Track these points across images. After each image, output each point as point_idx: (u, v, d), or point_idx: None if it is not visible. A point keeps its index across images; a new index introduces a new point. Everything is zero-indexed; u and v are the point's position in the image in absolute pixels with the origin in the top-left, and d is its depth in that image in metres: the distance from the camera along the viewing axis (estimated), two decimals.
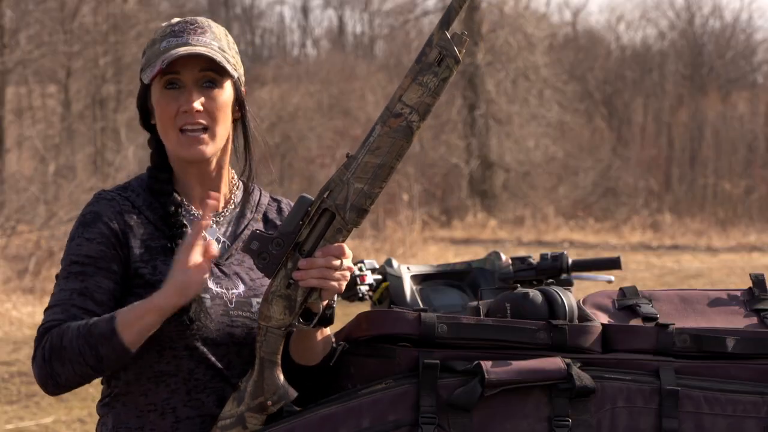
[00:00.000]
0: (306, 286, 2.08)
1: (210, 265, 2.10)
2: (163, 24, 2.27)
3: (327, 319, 2.16)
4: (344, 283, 2.10)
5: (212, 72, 2.21)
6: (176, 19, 2.26)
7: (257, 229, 2.11)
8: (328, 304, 2.14)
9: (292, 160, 19.30)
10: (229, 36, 2.28)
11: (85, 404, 6.80)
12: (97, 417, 2.30)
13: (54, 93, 18.80)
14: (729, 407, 2.14)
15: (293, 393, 2.12)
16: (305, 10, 35.08)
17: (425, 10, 26.30)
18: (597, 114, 24.04)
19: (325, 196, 2.08)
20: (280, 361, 2.13)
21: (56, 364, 2.10)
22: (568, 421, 2.10)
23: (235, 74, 2.23)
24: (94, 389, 6.73)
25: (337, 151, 19.71)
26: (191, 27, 2.23)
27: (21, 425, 6.63)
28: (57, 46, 17.21)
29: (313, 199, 2.08)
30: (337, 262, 2.07)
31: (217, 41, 2.23)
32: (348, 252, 2.09)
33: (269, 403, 2.12)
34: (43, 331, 2.14)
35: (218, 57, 2.19)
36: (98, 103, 17.95)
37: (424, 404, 2.08)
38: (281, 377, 2.13)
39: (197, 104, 2.19)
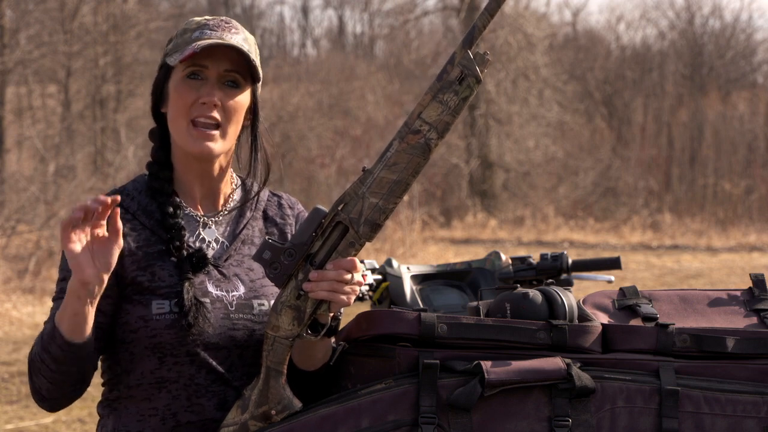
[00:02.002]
0: (315, 298, 2.08)
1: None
2: (197, 18, 2.27)
3: (332, 330, 2.16)
4: (353, 297, 2.10)
5: (236, 73, 2.22)
6: (210, 16, 2.27)
7: (269, 238, 2.10)
8: (334, 315, 2.14)
9: (292, 160, 19.30)
10: (256, 45, 2.29)
11: (85, 404, 6.79)
12: (97, 417, 2.30)
13: (54, 93, 18.80)
14: (729, 407, 2.13)
15: (298, 403, 2.12)
16: (305, 10, 35.12)
17: (425, 10, 26.33)
18: (597, 114, 24.03)
19: (339, 208, 2.07)
20: (285, 371, 2.13)
21: (34, 376, 2.13)
22: (568, 421, 2.09)
23: (260, 80, 2.25)
24: (94, 389, 6.70)
25: (337, 151, 19.71)
26: (226, 25, 2.24)
27: (21, 425, 6.63)
28: (57, 46, 17.22)
29: (327, 211, 2.08)
30: (347, 276, 2.07)
31: (247, 45, 2.24)
32: (359, 266, 2.09)
33: (273, 412, 2.11)
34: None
35: (252, 56, 2.20)
36: (98, 103, 17.95)
37: (423, 404, 2.08)
38: (287, 387, 2.12)
39: (216, 99, 2.20)
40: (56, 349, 2.06)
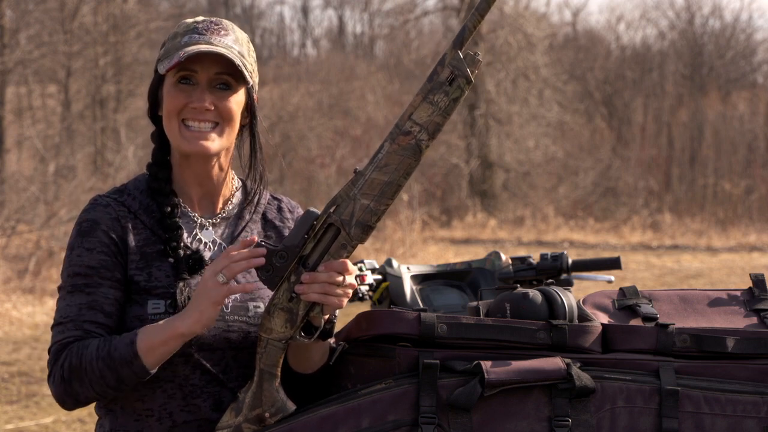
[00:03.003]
0: (308, 300, 2.08)
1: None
2: (188, 20, 2.26)
3: (327, 333, 2.16)
4: (345, 300, 2.10)
5: (227, 75, 2.21)
6: (201, 18, 2.25)
7: (262, 241, 2.10)
8: (328, 318, 2.14)
9: (292, 160, 19.30)
10: (251, 44, 2.27)
11: None
12: (96, 417, 2.30)
13: (54, 93, 18.81)
14: (729, 407, 2.13)
15: (291, 406, 2.12)
16: (305, 10, 35.14)
17: (425, 10, 26.32)
18: (597, 114, 24.03)
19: (331, 210, 2.07)
20: (279, 373, 2.13)
21: (76, 383, 2.12)
22: (568, 421, 2.09)
23: (251, 81, 2.23)
24: None
25: (337, 151, 19.71)
26: (215, 27, 2.22)
27: (21, 425, 6.63)
28: (57, 46, 17.22)
29: (319, 213, 2.08)
30: (339, 278, 2.07)
31: (238, 45, 2.22)
32: (352, 268, 2.09)
33: (267, 415, 2.11)
34: (59, 348, 2.14)
35: (237, 61, 2.18)
36: (98, 103, 17.95)
37: (423, 404, 2.08)
38: (280, 390, 2.13)
39: (207, 104, 2.19)
40: (130, 373, 2.09)
